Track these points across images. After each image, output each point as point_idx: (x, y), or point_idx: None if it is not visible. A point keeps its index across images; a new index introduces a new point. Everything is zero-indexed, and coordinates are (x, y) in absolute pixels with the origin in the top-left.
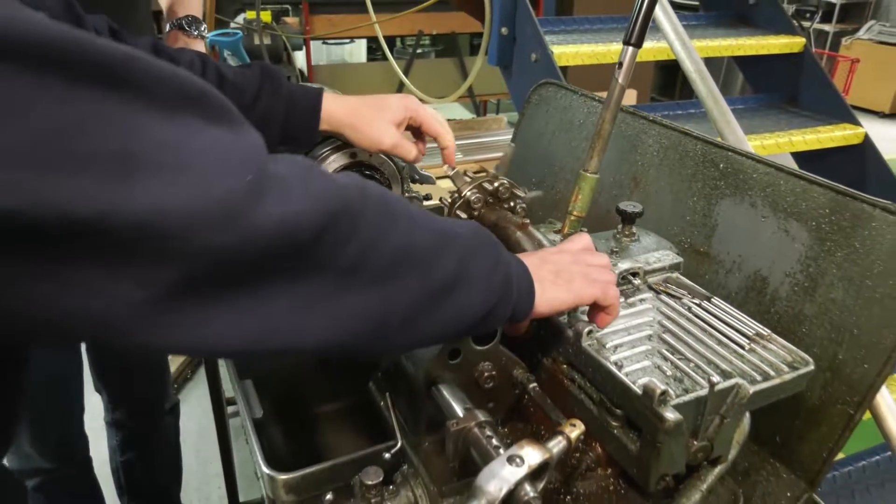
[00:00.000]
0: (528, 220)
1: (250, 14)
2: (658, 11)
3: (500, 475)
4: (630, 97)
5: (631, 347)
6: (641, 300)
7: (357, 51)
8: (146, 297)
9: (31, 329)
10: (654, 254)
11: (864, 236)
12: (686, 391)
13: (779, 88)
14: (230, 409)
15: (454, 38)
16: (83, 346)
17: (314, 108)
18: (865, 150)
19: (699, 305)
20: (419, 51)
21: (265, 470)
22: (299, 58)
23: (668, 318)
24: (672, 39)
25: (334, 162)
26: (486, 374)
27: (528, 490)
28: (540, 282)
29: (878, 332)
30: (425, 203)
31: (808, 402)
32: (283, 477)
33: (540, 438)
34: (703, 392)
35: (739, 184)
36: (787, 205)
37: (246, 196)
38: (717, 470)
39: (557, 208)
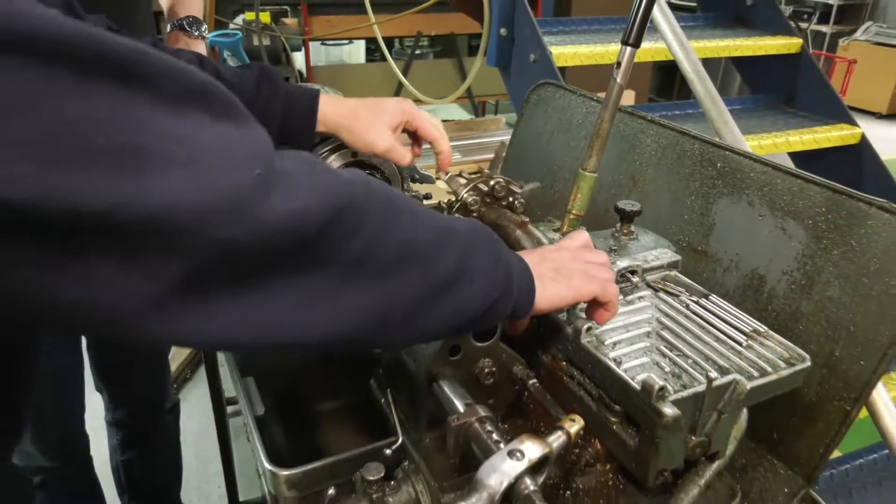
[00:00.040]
0: (527, 219)
1: (249, 15)
2: (656, 12)
3: (501, 469)
4: (628, 98)
5: (630, 344)
6: (640, 298)
7: (356, 52)
8: (154, 290)
9: (38, 316)
10: (653, 252)
11: (860, 234)
12: (684, 387)
13: (776, 89)
14: (230, 408)
15: (453, 39)
16: (84, 345)
17: (311, 110)
18: (862, 150)
19: (697, 303)
20: (418, 52)
21: (267, 466)
22: (298, 59)
23: (667, 315)
24: (670, 40)
25: (335, 161)
26: (486, 370)
27: (529, 483)
28: (540, 279)
29: (875, 328)
30: (425, 202)
31: (805, 398)
32: (285, 473)
33: (540, 434)
34: (701, 388)
35: (737, 183)
36: (784, 203)
37: (253, 191)
38: (715, 465)
39: (556, 207)
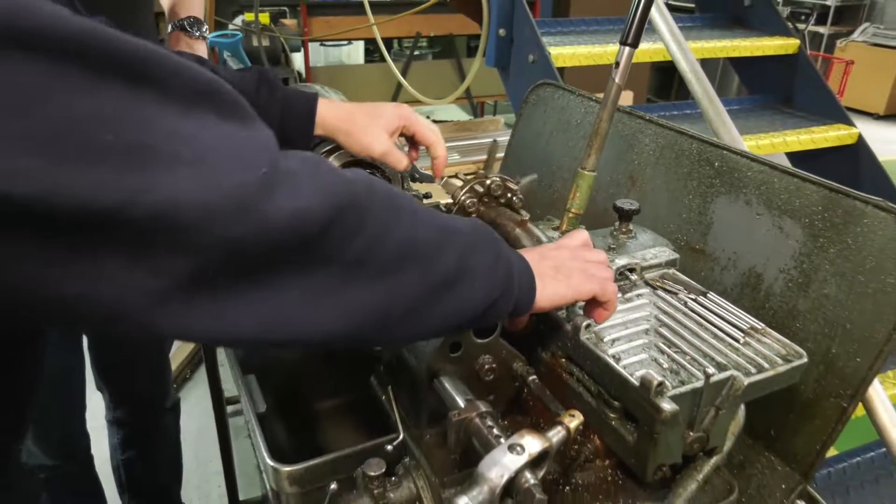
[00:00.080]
0: (527, 215)
1: (248, 16)
2: (654, 13)
3: (502, 462)
4: (626, 99)
5: (628, 341)
6: (638, 295)
7: (355, 52)
8: (160, 286)
9: (43, 310)
10: (651, 250)
11: (856, 233)
12: (682, 383)
13: (773, 89)
14: (230, 408)
15: (452, 40)
16: (85, 345)
17: (309, 113)
18: (859, 150)
19: (695, 300)
20: (417, 52)
21: (269, 462)
22: (297, 59)
23: (665, 312)
24: (668, 41)
25: (333, 162)
26: (486, 366)
27: (529, 477)
28: (540, 277)
29: (871, 326)
30: (425, 202)
31: (802, 395)
32: (288, 469)
33: (540, 429)
34: (699, 383)
35: (734, 182)
36: (780, 202)
37: (259, 190)
38: (713, 460)
39: (555, 206)
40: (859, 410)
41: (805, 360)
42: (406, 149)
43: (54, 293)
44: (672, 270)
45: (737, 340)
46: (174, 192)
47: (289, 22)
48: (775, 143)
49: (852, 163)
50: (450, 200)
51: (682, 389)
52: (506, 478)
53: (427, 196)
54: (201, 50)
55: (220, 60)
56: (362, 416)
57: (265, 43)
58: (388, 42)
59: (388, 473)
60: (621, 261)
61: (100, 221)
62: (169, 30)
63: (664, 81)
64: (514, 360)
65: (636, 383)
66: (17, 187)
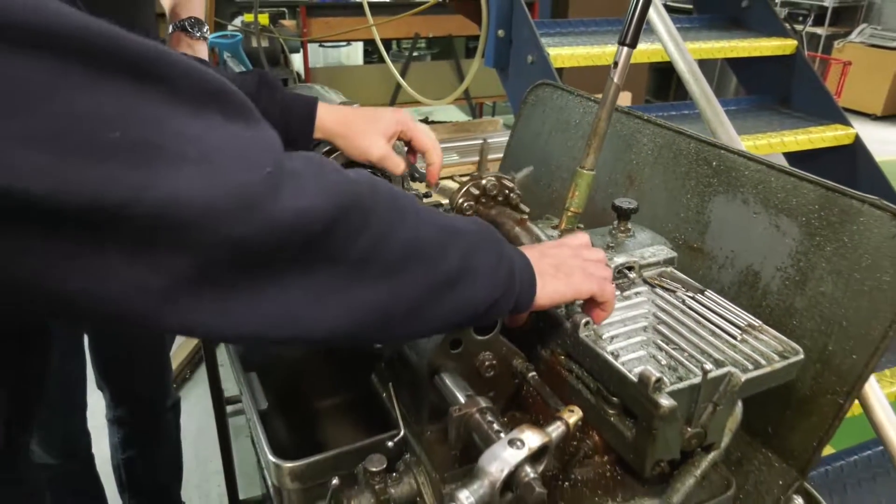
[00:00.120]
0: (527, 210)
1: (248, 17)
2: (652, 14)
3: (502, 457)
4: (625, 99)
5: (627, 338)
6: (637, 293)
7: (354, 53)
8: (162, 283)
9: (47, 304)
10: (649, 249)
11: (852, 231)
12: (680, 379)
13: (771, 90)
14: (230, 407)
15: (450, 41)
16: (86, 344)
17: (309, 116)
18: (856, 150)
19: (693, 298)
20: (415, 53)
21: (271, 458)
22: (296, 60)
23: (663, 310)
24: (666, 41)
25: (335, 161)
26: (486, 363)
27: (529, 471)
28: (541, 275)
29: (867, 323)
30: (425, 201)
31: (799, 392)
32: (289, 465)
33: (539, 425)
34: (697, 380)
35: (732, 181)
36: (777, 201)
37: (263, 190)
38: (711, 456)
39: (554, 206)
40: (857, 409)
41: (801, 356)
42: (405, 152)
43: (58, 288)
44: (670, 269)
45: (734, 337)
46: (177, 190)
47: (288, 23)
48: (773, 143)
49: (849, 163)
50: (446, 202)
51: (680, 385)
52: (506, 472)
53: (427, 195)
54: (202, 50)
55: (219, 61)
56: (363, 412)
57: (264, 44)
58: (386, 43)
59: (389, 469)
60: (620, 259)
61: (104, 217)
62: (170, 30)
63: (662, 82)
64: (514, 356)
65: (634, 379)
66: (19, 182)
